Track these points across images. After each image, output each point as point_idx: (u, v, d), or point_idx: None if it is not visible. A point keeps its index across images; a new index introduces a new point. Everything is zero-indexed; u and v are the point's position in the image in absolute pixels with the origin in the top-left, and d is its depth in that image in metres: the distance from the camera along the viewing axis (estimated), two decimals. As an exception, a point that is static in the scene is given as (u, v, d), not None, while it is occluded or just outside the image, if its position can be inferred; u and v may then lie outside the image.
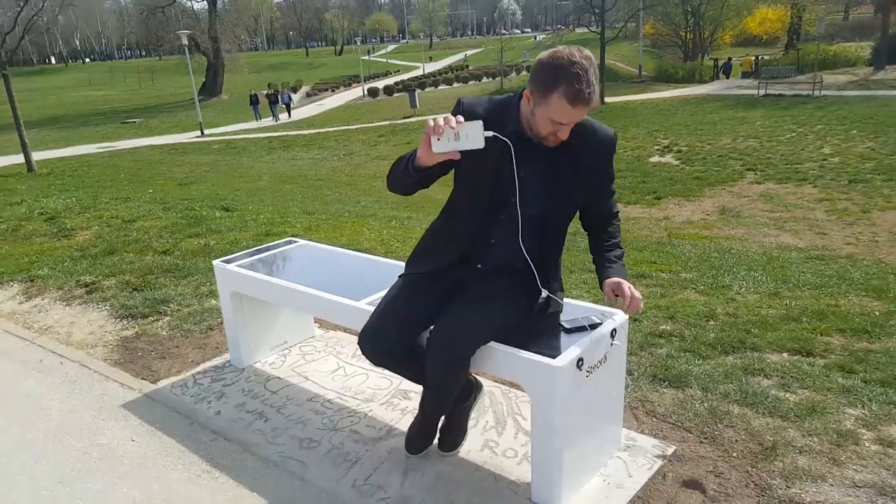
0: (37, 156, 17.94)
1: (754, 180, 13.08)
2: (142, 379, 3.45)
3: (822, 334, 3.73)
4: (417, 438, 2.61)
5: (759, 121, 21.69)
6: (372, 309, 2.42)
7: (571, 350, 2.14)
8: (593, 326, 2.28)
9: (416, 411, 2.67)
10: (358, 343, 2.33)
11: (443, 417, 2.59)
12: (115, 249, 6.04)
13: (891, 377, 3.08)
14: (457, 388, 2.36)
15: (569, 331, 2.29)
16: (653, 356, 3.42)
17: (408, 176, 2.14)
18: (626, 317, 2.39)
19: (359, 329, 2.37)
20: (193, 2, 56.51)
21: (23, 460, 2.76)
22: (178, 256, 5.71)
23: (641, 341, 3.62)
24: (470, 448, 2.64)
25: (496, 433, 2.73)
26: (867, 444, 2.57)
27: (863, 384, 3.04)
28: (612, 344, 2.30)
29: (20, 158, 17.01)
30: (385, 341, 2.29)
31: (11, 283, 5.20)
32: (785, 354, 3.44)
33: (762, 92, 28.75)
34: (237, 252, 5.72)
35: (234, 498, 2.45)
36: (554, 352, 2.13)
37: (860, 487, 2.34)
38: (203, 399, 3.19)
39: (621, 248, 2.41)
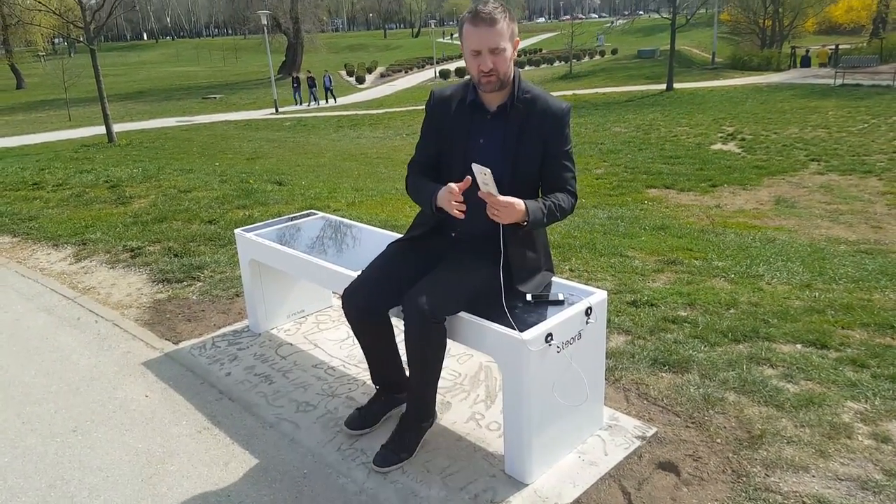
0: (119, 127, 18.76)
1: (816, 171, 12.58)
2: (165, 339, 3.65)
3: (843, 327, 3.62)
4: (359, 417, 2.68)
5: (832, 111, 20.79)
6: None
7: (541, 325, 2.17)
8: (558, 302, 2.30)
9: None
10: (341, 304, 2.45)
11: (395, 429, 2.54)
12: (166, 217, 6.33)
13: (902, 373, 2.99)
14: (435, 353, 2.33)
15: (530, 303, 2.35)
16: (660, 340, 3.40)
17: (427, 210, 2.42)
18: (604, 296, 2.40)
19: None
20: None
21: (45, 408, 2.98)
22: (221, 226, 5.94)
23: (652, 325, 3.60)
24: (456, 419, 2.71)
25: (484, 406, 2.79)
26: (860, 439, 2.52)
27: (871, 379, 2.96)
28: (587, 322, 2.32)
29: (103, 130, 17.76)
30: (361, 299, 2.41)
31: (66, 246, 5.53)
32: (798, 346, 3.36)
33: (838, 81, 27.50)
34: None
35: (226, 454, 2.59)
36: (524, 326, 2.17)
37: (842, 480, 2.30)
38: (217, 361, 3.35)
39: (551, 201, 2.34)
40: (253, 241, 3.43)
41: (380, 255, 2.56)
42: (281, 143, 18.59)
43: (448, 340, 2.33)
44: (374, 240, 3.30)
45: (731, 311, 3.89)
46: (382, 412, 2.71)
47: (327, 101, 35.18)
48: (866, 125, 17.77)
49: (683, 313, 3.82)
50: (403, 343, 2.33)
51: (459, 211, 2.22)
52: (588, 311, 2.32)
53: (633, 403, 2.81)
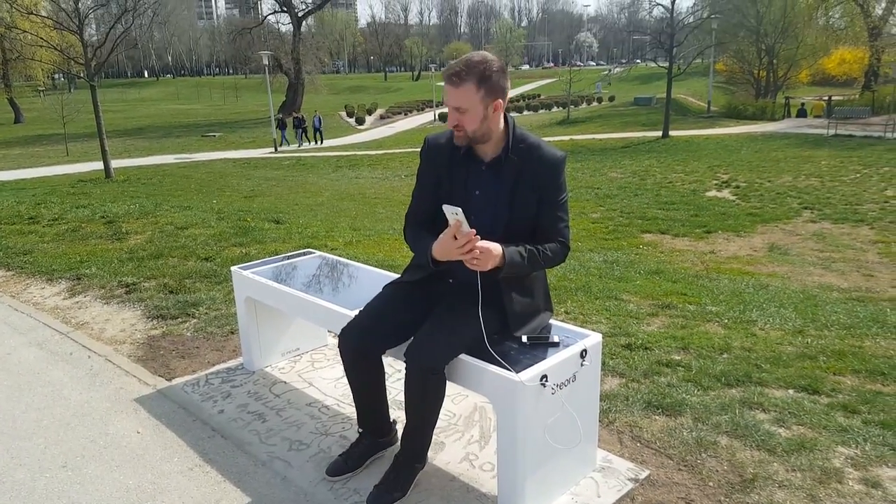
0: (118, 163, 18.88)
1: (809, 219, 12.72)
2: (158, 376, 3.64)
3: (835, 373, 3.64)
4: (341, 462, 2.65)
5: (825, 160, 21.09)
6: None
7: (536, 366, 2.19)
8: (553, 344, 2.32)
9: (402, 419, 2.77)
10: (338, 343, 2.48)
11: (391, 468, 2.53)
12: (162, 253, 6.36)
13: (893, 420, 2.99)
14: (433, 403, 2.36)
15: (525, 344, 2.37)
16: (654, 384, 3.40)
17: (423, 262, 2.43)
18: (599, 339, 2.43)
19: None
20: (280, 24, 58.40)
21: (34, 444, 2.96)
22: (218, 263, 5.96)
23: (646, 369, 3.61)
24: (449, 460, 2.70)
25: (478, 447, 2.78)
26: (851, 484, 2.52)
27: (862, 425, 2.97)
28: (581, 364, 2.34)
29: (101, 165, 17.88)
30: (357, 340, 2.43)
31: (60, 280, 5.54)
32: (790, 391, 3.37)
33: (831, 132, 27.98)
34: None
35: (218, 492, 2.57)
36: (519, 367, 2.18)
37: (834, 526, 2.30)
38: (210, 398, 3.34)
39: (538, 250, 2.36)
40: (249, 278, 3.45)
41: (377, 297, 2.58)
42: (279, 182, 18.73)
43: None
44: (371, 279, 3.32)
45: (725, 355, 3.90)
46: (366, 456, 2.69)
47: (316, 143, 34.98)
48: (858, 175, 18.03)
49: (677, 357, 3.83)
50: (403, 391, 2.34)
51: (466, 255, 2.21)
52: (583, 354, 2.34)
53: (626, 446, 2.81)
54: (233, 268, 3.60)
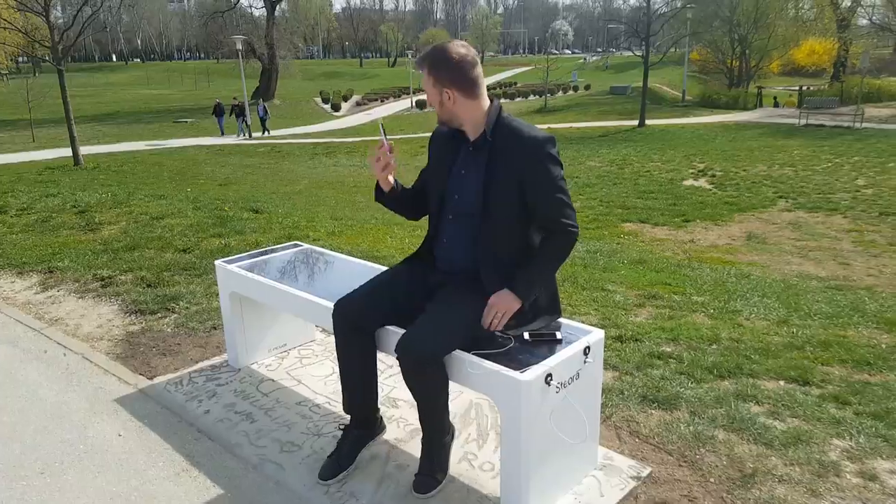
0: (87, 150, 18.45)
1: (785, 208, 12.87)
2: (139, 374, 3.52)
3: (823, 364, 3.65)
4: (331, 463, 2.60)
5: (797, 150, 21.42)
6: None
7: (540, 365, 2.13)
8: (556, 341, 2.27)
9: (402, 419, 2.86)
10: (332, 314, 2.53)
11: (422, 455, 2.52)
12: (138, 245, 6.19)
13: (883, 410, 3.00)
14: (436, 390, 2.32)
15: (527, 342, 2.33)
16: (647, 377, 3.38)
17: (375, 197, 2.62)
18: (601, 335, 2.38)
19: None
20: (253, 8, 57.44)
21: (9, 449, 2.83)
22: (196, 255, 5.82)
23: (639, 361, 3.58)
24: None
25: (476, 446, 2.72)
26: (848, 477, 2.51)
27: (854, 416, 2.97)
28: (584, 361, 2.28)
29: (70, 152, 17.45)
30: (354, 313, 2.47)
31: (31, 274, 5.36)
32: (781, 382, 3.37)
33: (803, 121, 28.37)
34: (254, 253, 5.87)
35: (208, 498, 2.48)
36: (521, 365, 2.12)
37: (837, 522, 2.28)
38: (195, 398, 3.24)
39: (545, 258, 2.39)
40: (234, 272, 3.34)
41: (379, 275, 2.64)
42: (255, 169, 18.48)
43: None
44: (359, 271, 3.24)
45: (714, 346, 3.90)
46: (356, 450, 2.62)
47: (262, 133, 31.65)
48: (830, 164, 18.31)
49: (668, 349, 3.81)
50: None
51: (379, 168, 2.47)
52: (586, 351, 2.28)
53: (625, 442, 2.77)
54: (216, 261, 3.49)
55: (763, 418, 2.93)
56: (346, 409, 2.64)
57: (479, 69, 2.35)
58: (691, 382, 3.31)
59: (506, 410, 2.15)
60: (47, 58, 16.71)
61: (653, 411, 3.02)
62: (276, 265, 3.42)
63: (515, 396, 2.09)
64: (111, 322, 4.29)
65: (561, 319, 2.50)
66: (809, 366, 3.57)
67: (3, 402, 3.25)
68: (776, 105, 38.29)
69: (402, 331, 2.42)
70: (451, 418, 2.86)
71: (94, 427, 3.00)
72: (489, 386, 2.18)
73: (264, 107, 32.65)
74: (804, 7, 49.94)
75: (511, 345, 2.29)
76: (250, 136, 30.67)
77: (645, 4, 32.84)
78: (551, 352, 2.23)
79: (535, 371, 2.10)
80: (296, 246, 3.77)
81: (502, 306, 2.29)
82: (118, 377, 3.48)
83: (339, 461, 2.57)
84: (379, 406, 2.72)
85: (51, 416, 3.10)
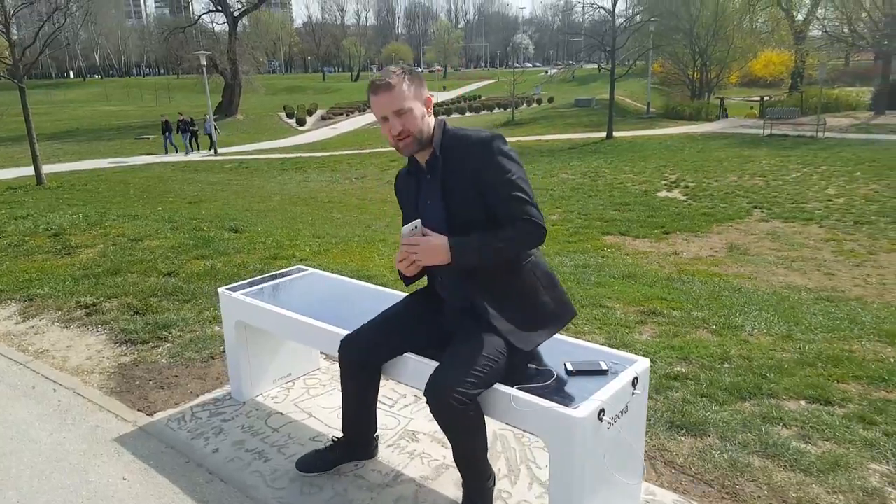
0: (48, 168, 17.99)
1: (761, 218, 13.03)
2: (137, 410, 3.33)
3: (838, 381, 3.61)
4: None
5: (765, 159, 21.75)
6: None
7: (591, 399, 2.03)
8: (601, 372, 2.17)
9: (426, 454, 2.75)
10: (338, 349, 2.51)
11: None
12: (119, 269, 5.95)
13: (915, 431, 2.96)
14: (470, 434, 2.20)
15: (571, 373, 2.22)
16: (669, 400, 3.30)
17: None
18: (647, 364, 2.28)
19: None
20: (214, 23, 56.86)
21: (5, 497, 2.63)
22: (182, 279, 5.62)
23: (656, 384, 3.50)
24: (479, 496, 2.51)
25: (509, 482, 2.60)
26: (896, 505, 2.45)
27: (885, 437, 2.92)
28: (633, 393, 2.19)
29: (31, 171, 17.02)
30: (358, 352, 2.46)
31: (9, 302, 5.11)
32: (802, 402, 3.32)
33: (767, 132, 28.93)
34: (243, 275, 5.68)
35: (229, 543, 2.32)
36: (571, 400, 2.02)
37: (892, 553, 2.21)
38: (200, 435, 3.07)
39: (497, 236, 2.21)
40: (240, 300, 3.19)
41: (387, 310, 2.57)
42: (224, 186, 18.16)
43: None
44: (371, 296, 3.12)
45: (726, 364, 3.84)
46: (338, 463, 2.70)
47: (210, 151, 29.85)
48: (799, 174, 18.61)
49: (681, 369, 3.75)
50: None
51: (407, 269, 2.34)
52: (634, 382, 2.19)
53: (661, 473, 2.67)
54: (220, 289, 3.33)
55: (795, 442, 2.86)
56: (345, 430, 2.70)
57: None
58: (714, 405, 3.24)
59: (557, 449, 2.04)
60: (3, 75, 16.24)
61: (682, 438, 2.93)
62: (282, 291, 3.28)
63: (568, 434, 1.98)
64: (101, 353, 4.08)
65: (602, 348, 2.41)
66: (826, 384, 3.53)
67: (-6, 444, 3.04)
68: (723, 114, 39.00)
69: (418, 358, 2.39)
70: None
71: (96, 470, 2.81)
72: (537, 423, 2.07)
73: (212, 123, 30.20)
74: (759, 20, 51.12)
75: (553, 378, 2.18)
76: (199, 150, 30.16)
77: (609, 18, 33.26)
78: (598, 384, 2.13)
79: (589, 407, 1.99)
80: (299, 270, 3.62)
81: (426, 251, 2.22)
82: (115, 414, 3.29)
83: (318, 464, 2.68)
84: (376, 434, 2.78)
85: (47, 459, 2.90)
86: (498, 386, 2.15)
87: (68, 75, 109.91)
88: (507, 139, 2.31)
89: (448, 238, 2.21)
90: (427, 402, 2.14)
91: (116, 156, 27.52)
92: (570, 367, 2.23)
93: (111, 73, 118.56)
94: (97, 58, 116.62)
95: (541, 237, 2.22)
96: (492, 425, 2.97)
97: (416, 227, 2.24)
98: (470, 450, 2.26)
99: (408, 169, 2.45)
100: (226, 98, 47.26)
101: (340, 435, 2.75)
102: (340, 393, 2.61)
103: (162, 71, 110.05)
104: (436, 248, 2.20)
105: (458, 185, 2.24)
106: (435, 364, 2.24)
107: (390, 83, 2.20)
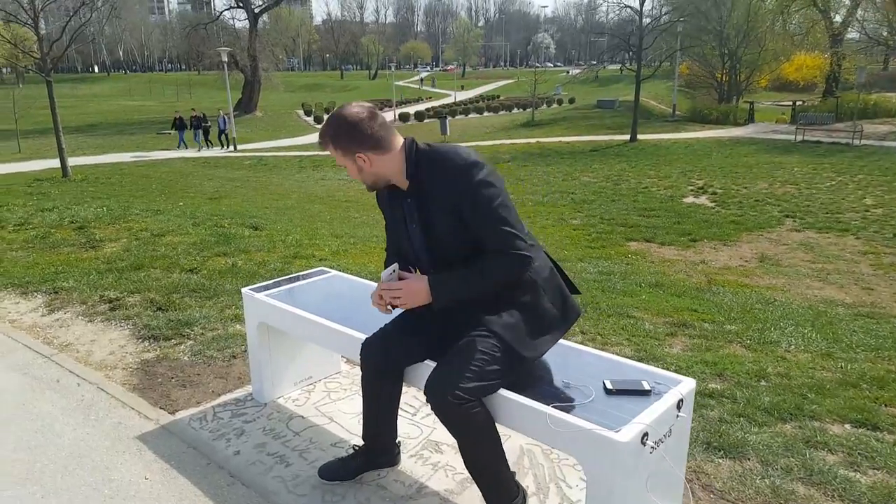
0: (72, 161, 18.21)
1: (793, 228, 12.71)
2: (160, 408, 3.28)
3: (885, 405, 3.45)
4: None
5: (797, 167, 21.24)
6: None
7: (635, 423, 1.92)
8: (643, 392, 2.07)
9: (449, 466, 2.66)
10: (360, 353, 2.47)
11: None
12: (142, 264, 5.93)
13: (970, 462, 2.80)
14: (474, 435, 2.15)
15: (610, 392, 2.12)
16: (704, 419, 3.17)
17: None
18: (693, 385, 2.17)
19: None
20: (235, 20, 57.27)
21: (28, 492, 2.59)
22: (204, 276, 5.58)
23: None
24: (508, 516, 2.41)
25: (537, 501, 2.50)
26: (954, 543, 2.31)
27: (940, 468, 2.77)
28: (677, 416, 2.08)
29: (57, 163, 17.23)
30: (380, 355, 2.40)
31: (36, 294, 5.09)
32: (847, 426, 3.17)
33: (799, 138, 28.34)
34: (264, 273, 5.63)
35: (250, 555, 2.25)
36: (613, 422, 1.91)
37: None
38: (222, 436, 3.00)
39: (476, 273, 2.19)
40: (263, 301, 3.12)
41: (406, 311, 2.46)
42: (243, 183, 18.21)
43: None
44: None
45: (763, 382, 3.70)
46: (360, 471, 2.64)
47: (223, 146, 30.30)
48: (833, 182, 18.12)
49: (716, 386, 3.61)
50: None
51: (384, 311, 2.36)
52: (679, 404, 2.07)
53: (700, 498, 2.55)
54: (244, 290, 3.26)
55: (842, 470, 2.72)
56: (365, 437, 2.64)
57: (381, 118, 2.22)
58: (753, 426, 3.10)
59: (595, 473, 1.93)
60: (31, 68, 16.47)
61: (721, 461, 2.81)
62: (305, 293, 3.20)
63: (609, 459, 1.87)
64: (124, 349, 4.04)
65: (643, 366, 2.29)
66: (872, 407, 3.38)
67: (18, 436, 3.00)
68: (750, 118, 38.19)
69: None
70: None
71: (118, 469, 2.75)
72: (575, 445, 1.96)
73: (224, 119, 30.46)
74: (793, 22, 50.02)
75: (593, 397, 2.08)
76: (209, 147, 30.21)
77: (635, 17, 32.85)
78: (641, 405, 2.02)
79: (632, 430, 1.88)
80: (322, 272, 3.55)
81: (408, 295, 2.24)
82: (137, 411, 3.24)
83: (341, 472, 2.62)
84: (397, 441, 2.71)
85: (70, 455, 2.85)
86: (533, 403, 2.05)
87: (93, 70, 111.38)
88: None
89: (428, 278, 2.23)
90: (427, 402, 2.13)
91: (138, 150, 27.78)
92: (609, 386, 2.12)
93: (134, 68, 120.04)
94: (121, 53, 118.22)
95: (526, 267, 2.19)
96: (518, 440, 2.89)
97: (394, 270, 2.27)
98: (480, 453, 2.19)
99: (388, 188, 2.36)
100: (245, 95, 47.59)
101: (361, 443, 2.68)
102: (361, 397, 2.55)
103: (183, 67, 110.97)
104: (417, 291, 2.23)
105: (439, 213, 2.21)
106: None
107: (323, 146, 2.26)
